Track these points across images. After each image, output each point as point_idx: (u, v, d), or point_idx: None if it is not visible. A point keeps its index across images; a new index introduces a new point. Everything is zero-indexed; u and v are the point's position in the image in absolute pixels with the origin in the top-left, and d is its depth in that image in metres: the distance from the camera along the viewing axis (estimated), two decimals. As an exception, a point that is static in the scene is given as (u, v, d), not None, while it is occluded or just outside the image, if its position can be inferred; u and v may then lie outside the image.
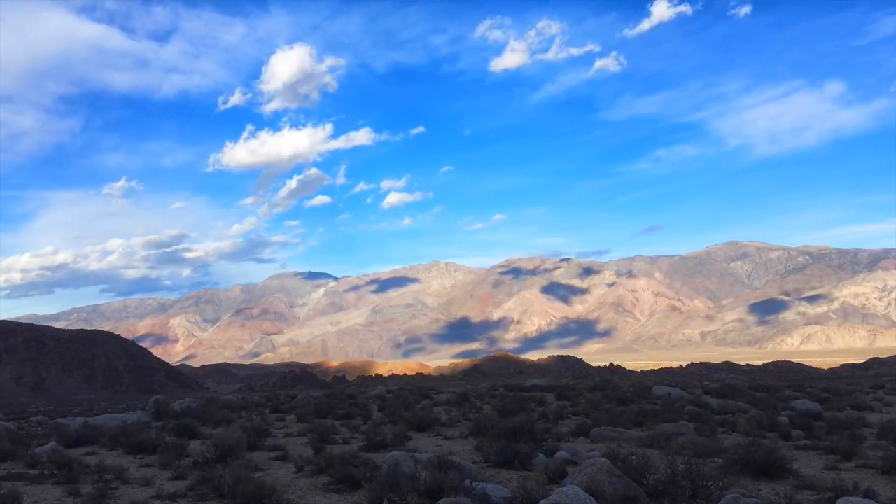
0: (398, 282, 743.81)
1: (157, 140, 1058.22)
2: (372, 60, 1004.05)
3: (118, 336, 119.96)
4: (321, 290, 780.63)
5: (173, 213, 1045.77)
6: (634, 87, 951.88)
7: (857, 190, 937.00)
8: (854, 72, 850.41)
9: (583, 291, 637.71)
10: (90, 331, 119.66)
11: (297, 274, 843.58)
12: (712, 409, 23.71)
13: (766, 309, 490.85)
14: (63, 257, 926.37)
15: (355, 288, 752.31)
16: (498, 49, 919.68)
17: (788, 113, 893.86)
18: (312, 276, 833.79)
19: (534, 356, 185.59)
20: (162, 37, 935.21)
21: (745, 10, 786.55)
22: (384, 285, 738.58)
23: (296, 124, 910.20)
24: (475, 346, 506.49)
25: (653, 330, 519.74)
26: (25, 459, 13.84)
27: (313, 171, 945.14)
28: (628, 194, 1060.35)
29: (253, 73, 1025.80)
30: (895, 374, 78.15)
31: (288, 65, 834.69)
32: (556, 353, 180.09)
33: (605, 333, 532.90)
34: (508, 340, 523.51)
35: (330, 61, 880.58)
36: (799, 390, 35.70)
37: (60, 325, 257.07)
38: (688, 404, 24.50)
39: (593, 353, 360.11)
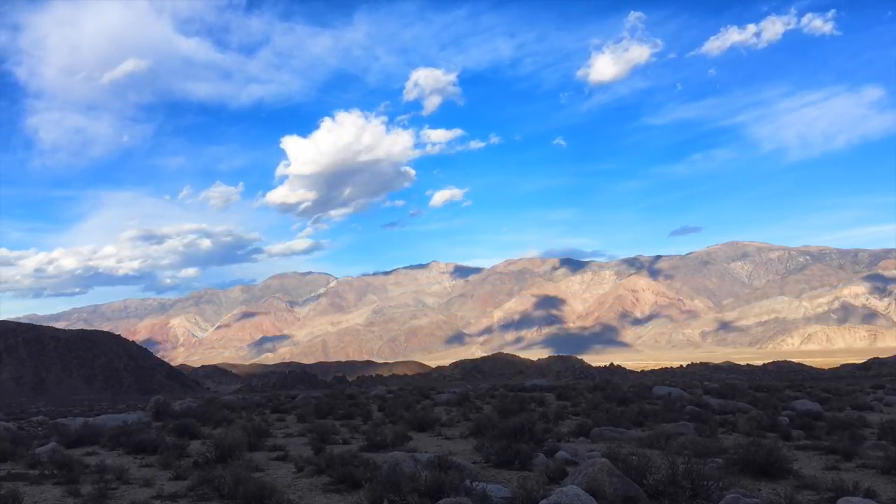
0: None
1: (226, 144, 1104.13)
2: (438, 65, 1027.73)
3: (118, 336, 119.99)
4: (321, 290, 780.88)
5: (248, 215, 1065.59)
6: (684, 93, 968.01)
7: (872, 192, 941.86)
8: (894, 78, 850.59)
9: (582, 292, 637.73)
10: (90, 331, 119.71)
11: (297, 274, 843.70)
12: (712, 409, 23.71)
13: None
14: (106, 256, 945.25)
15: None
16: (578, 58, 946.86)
17: (824, 117, 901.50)
18: (312, 275, 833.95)
19: (534, 356, 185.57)
20: (251, 49, 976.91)
21: (828, 27, 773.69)
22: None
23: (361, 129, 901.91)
24: (475, 348, 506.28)
25: (653, 330, 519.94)
26: (26, 459, 13.84)
27: (378, 174, 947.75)
28: (658, 196, 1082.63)
29: (331, 81, 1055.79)
30: (895, 374, 78.13)
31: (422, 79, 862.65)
32: (555, 354, 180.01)
33: (605, 333, 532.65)
34: (509, 342, 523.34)
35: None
36: (799, 390, 35.69)
37: (60, 325, 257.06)
38: (688, 404, 24.51)
39: (594, 353, 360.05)
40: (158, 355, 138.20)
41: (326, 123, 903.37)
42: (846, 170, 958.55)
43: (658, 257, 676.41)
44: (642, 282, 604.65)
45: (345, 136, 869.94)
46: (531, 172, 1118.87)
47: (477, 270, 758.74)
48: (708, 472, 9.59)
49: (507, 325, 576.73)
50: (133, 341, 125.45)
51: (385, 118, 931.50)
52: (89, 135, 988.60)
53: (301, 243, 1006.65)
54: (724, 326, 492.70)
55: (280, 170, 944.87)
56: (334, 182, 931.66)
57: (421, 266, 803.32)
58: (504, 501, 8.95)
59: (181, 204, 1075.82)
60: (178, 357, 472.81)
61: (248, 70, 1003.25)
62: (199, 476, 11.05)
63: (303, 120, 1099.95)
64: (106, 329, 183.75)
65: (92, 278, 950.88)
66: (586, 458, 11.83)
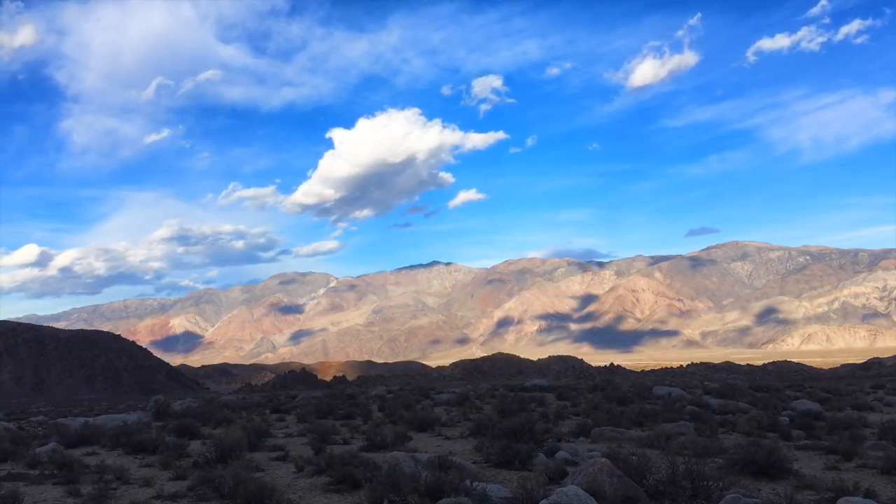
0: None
1: (254, 146, 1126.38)
2: (463, 65, 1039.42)
3: (118, 336, 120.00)
4: (321, 290, 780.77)
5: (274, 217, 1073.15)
6: (703, 96, 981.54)
7: (879, 194, 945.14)
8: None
9: (582, 291, 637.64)
10: (90, 331, 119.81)
11: (297, 274, 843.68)
12: (712, 409, 23.67)
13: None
14: (131, 256, 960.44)
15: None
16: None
17: (838, 119, 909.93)
18: (313, 275, 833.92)
19: (533, 356, 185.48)
20: (288, 53, 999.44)
21: (862, 39, 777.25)
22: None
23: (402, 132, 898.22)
24: (475, 346, 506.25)
25: (653, 330, 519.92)
26: (26, 459, 13.83)
27: (410, 178, 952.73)
28: (672, 197, 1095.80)
29: (363, 84, 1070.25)
30: (895, 374, 78.15)
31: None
32: (555, 353, 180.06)
33: (605, 333, 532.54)
34: (509, 341, 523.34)
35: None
36: (799, 390, 35.67)
37: (61, 325, 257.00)
38: (688, 404, 24.48)
39: (593, 353, 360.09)
40: (158, 355, 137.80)
41: (360, 127, 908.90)
42: (857, 171, 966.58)
43: (657, 257, 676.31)
44: (642, 282, 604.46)
45: (378, 139, 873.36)
46: (549, 173, 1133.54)
47: (479, 271, 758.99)
48: (708, 472, 9.58)
49: (507, 324, 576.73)
50: (133, 341, 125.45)
51: (418, 121, 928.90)
52: (119, 137, 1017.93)
53: (329, 244, 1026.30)
54: (724, 326, 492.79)
55: (310, 172, 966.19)
56: (364, 185, 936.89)
57: (422, 266, 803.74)
58: (504, 501, 8.95)
59: (207, 205, 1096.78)
60: (178, 357, 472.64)
61: (283, 74, 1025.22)
62: (199, 476, 11.04)
63: (334, 123, 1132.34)
64: (106, 329, 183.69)
65: (116, 278, 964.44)
66: (586, 458, 11.83)
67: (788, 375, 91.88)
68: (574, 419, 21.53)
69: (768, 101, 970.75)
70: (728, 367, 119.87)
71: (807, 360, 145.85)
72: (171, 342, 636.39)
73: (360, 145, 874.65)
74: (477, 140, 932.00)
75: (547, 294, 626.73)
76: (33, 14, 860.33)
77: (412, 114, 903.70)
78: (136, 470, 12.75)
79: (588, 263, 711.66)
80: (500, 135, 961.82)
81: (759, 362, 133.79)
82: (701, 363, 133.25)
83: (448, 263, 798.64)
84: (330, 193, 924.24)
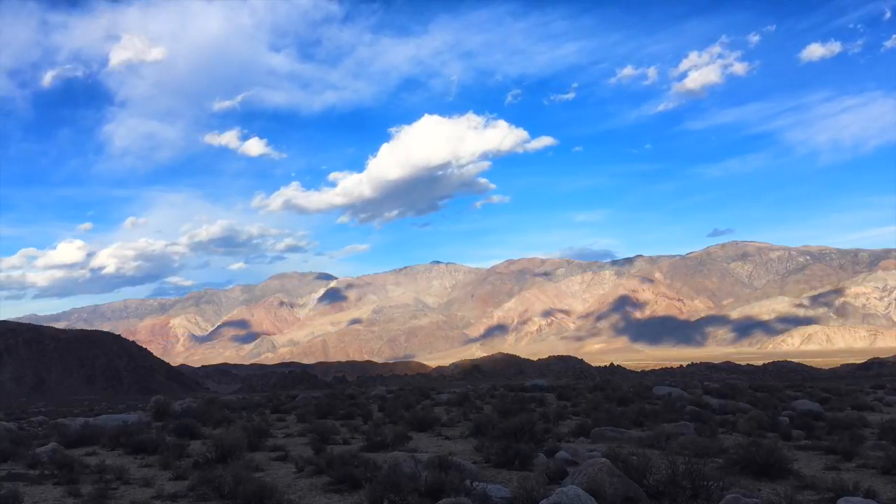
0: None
1: (293, 149, 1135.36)
2: (499, 69, 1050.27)
3: (118, 336, 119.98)
4: (321, 290, 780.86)
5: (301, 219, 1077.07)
6: (728, 99, 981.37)
7: (885, 195, 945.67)
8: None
9: (583, 291, 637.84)
10: (90, 331, 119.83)
11: (297, 274, 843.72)
12: (713, 409, 23.66)
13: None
14: (161, 256, 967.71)
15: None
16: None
17: (857, 122, 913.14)
18: (319, 277, 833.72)
19: (533, 356, 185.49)
20: (334, 60, 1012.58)
21: None
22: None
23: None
24: (475, 346, 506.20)
25: (653, 329, 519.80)
26: (26, 460, 13.84)
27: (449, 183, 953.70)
28: (688, 199, 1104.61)
29: (405, 88, 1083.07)
30: (895, 374, 78.16)
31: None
32: (556, 353, 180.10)
33: (604, 332, 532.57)
34: (509, 341, 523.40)
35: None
36: (799, 390, 35.70)
37: (61, 325, 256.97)
38: (688, 404, 24.46)
39: (594, 353, 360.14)
40: (158, 355, 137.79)
41: (399, 133, 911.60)
42: (866, 173, 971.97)
43: (657, 257, 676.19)
44: (643, 282, 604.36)
45: (414, 145, 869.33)
46: (574, 174, 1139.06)
47: (479, 270, 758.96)
48: (708, 472, 9.59)
49: (507, 324, 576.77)
50: (133, 341, 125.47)
51: (460, 124, 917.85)
52: (158, 140, 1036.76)
53: (361, 247, 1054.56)
54: (724, 326, 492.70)
55: (343, 174, 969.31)
56: (404, 187, 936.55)
57: (422, 266, 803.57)
58: (504, 501, 8.95)
59: (245, 208, 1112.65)
60: (178, 357, 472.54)
61: (328, 79, 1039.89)
62: (199, 476, 11.05)
63: (373, 126, 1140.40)
64: (106, 329, 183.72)
65: (143, 278, 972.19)
66: (586, 458, 11.83)
67: (788, 375, 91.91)
68: (574, 419, 21.52)
69: (792, 104, 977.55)
70: (728, 367, 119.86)
71: (807, 360, 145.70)
72: (171, 342, 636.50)
73: (408, 148, 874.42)
74: (528, 146, 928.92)
75: (547, 294, 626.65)
76: (90, 20, 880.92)
77: (462, 119, 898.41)
78: (136, 470, 12.75)
79: (588, 263, 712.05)
80: (549, 140, 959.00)
81: (759, 362, 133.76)
82: (701, 363, 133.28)
83: (448, 263, 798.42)
84: (367, 195, 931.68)
